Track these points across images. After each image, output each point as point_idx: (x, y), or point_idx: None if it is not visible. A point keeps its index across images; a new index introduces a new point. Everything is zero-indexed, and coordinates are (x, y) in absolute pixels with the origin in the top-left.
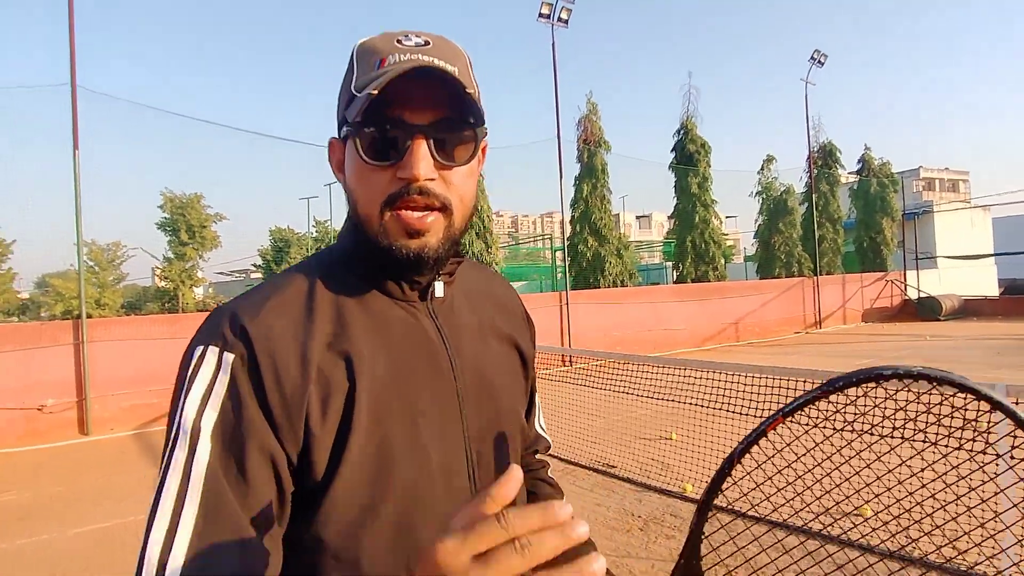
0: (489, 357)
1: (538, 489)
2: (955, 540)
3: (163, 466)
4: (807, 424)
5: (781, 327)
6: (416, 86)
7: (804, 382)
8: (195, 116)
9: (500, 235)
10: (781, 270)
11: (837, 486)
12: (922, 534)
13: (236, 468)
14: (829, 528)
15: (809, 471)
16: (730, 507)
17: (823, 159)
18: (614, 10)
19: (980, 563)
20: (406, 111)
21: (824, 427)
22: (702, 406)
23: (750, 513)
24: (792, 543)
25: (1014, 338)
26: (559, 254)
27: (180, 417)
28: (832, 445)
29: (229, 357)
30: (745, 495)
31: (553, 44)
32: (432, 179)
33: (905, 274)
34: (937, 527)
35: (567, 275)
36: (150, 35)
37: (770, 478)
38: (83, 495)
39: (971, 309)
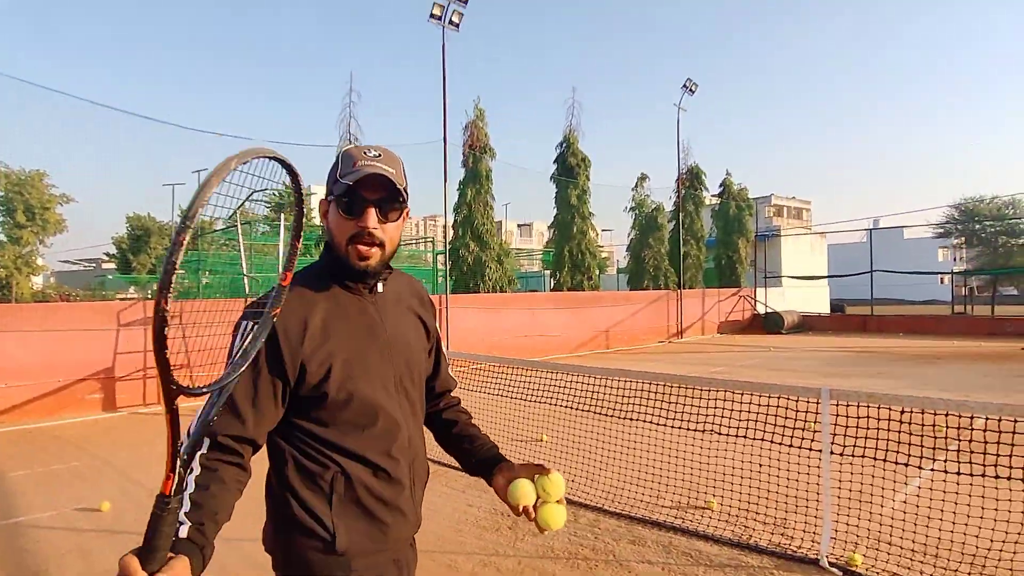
0: (405, 326)
1: (459, 418)
2: None
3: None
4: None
5: (647, 336)
6: (371, 180)
7: (663, 385)
8: (33, 81)
9: None
10: (649, 282)
11: None
12: None
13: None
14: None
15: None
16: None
17: (690, 181)
18: (504, 19)
19: None
20: (366, 192)
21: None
22: (573, 408)
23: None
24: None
25: (841, 350)
26: (440, 258)
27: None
28: None
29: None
30: None
31: (443, 47)
32: (375, 229)
33: (755, 290)
34: None
35: (447, 279)
36: None
37: None
38: None
39: (807, 324)
